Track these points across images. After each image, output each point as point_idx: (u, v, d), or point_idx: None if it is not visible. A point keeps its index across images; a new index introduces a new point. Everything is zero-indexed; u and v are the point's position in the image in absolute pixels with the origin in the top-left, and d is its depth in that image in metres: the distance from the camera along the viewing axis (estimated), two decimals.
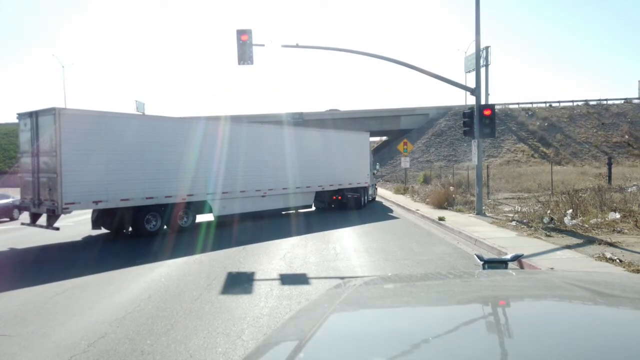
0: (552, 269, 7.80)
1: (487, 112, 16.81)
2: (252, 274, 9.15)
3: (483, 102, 17.45)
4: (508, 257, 2.89)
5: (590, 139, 49.17)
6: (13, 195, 22.15)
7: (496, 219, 15.83)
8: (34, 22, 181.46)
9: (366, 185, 24.02)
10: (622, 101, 55.61)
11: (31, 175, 13.50)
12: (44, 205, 13.12)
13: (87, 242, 14.04)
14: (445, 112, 52.68)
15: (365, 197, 23.83)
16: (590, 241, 10.90)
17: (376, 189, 29.04)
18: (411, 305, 1.77)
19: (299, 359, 1.14)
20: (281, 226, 16.77)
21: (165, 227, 15.24)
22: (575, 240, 11.18)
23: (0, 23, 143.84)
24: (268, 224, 17.32)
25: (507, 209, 18.25)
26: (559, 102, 56.16)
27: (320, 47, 19.31)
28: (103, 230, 15.06)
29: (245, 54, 16.98)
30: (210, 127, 16.67)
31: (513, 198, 22.36)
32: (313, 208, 22.06)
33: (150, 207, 14.64)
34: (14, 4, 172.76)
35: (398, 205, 23.54)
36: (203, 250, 11.95)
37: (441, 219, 15.96)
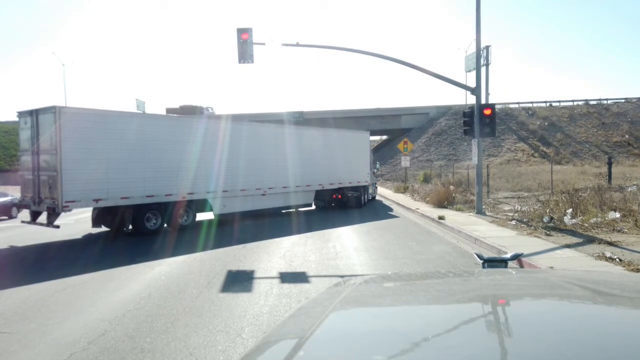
0: (551, 268, 7.80)
1: (487, 112, 16.81)
2: (252, 272, 9.15)
3: (483, 101, 17.44)
4: (508, 256, 2.89)
5: (591, 138, 49.15)
6: (12, 193, 22.16)
7: (496, 218, 15.83)
8: (34, 21, 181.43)
9: (366, 184, 24.01)
10: (623, 101, 55.58)
11: (31, 174, 13.51)
12: (44, 203, 13.12)
13: (88, 240, 14.04)
14: (445, 111, 52.67)
15: (366, 196, 23.82)
16: (590, 240, 10.90)
17: (376, 187, 29.03)
18: (411, 304, 1.77)
19: (298, 357, 1.14)
20: (281, 225, 16.77)
21: (165, 225, 15.24)
22: (575, 240, 11.18)
23: (0, 22, 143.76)
24: (268, 222, 17.32)
25: (507, 208, 18.25)
26: (559, 101, 56.19)
27: (321, 45, 19.30)
28: (103, 229, 15.06)
29: (245, 53, 16.96)
30: (210, 126, 16.67)
31: (513, 197, 22.35)
32: (313, 207, 22.05)
33: (151, 205, 14.64)
34: (14, 2, 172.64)
35: (398, 204, 23.54)
36: (203, 249, 11.96)
37: (441, 217, 15.96)
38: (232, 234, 14.67)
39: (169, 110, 53.53)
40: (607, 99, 56.31)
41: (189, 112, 52.56)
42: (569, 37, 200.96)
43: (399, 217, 18.61)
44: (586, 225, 12.75)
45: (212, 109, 56.93)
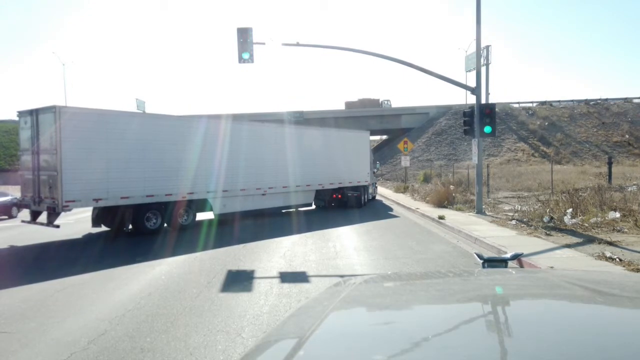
0: (551, 267, 7.80)
1: (487, 111, 16.81)
2: (252, 271, 9.16)
3: (483, 101, 17.43)
4: (508, 255, 2.89)
5: (591, 138, 49.13)
6: (12, 193, 22.16)
7: (496, 217, 15.83)
8: (34, 20, 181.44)
9: (366, 183, 24.01)
10: (623, 100, 55.56)
11: (32, 173, 13.51)
12: (45, 203, 13.12)
13: (88, 240, 14.04)
14: (445, 111, 52.66)
15: (366, 196, 23.82)
16: (590, 240, 10.90)
17: (376, 187, 29.02)
18: (411, 304, 1.77)
19: (298, 356, 1.14)
20: (281, 224, 16.77)
21: (165, 225, 15.24)
22: (575, 239, 11.18)
23: (0, 21, 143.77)
24: (268, 222, 17.32)
25: (507, 207, 18.24)
26: (559, 101, 56.15)
27: (321, 45, 19.26)
28: (103, 228, 15.07)
29: (245, 53, 16.94)
30: (211, 126, 16.65)
31: (513, 197, 22.35)
32: (313, 206, 22.05)
33: (151, 205, 14.63)
34: (14, 2, 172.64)
35: (398, 204, 23.54)
36: (203, 248, 11.96)
37: (441, 217, 15.96)
38: (232, 233, 14.67)
39: (348, 104, 53.60)
40: (607, 99, 56.28)
41: (368, 104, 53.34)
42: (569, 37, 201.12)
43: (399, 217, 18.61)
44: (586, 225, 12.75)
45: (389, 102, 57.05)
